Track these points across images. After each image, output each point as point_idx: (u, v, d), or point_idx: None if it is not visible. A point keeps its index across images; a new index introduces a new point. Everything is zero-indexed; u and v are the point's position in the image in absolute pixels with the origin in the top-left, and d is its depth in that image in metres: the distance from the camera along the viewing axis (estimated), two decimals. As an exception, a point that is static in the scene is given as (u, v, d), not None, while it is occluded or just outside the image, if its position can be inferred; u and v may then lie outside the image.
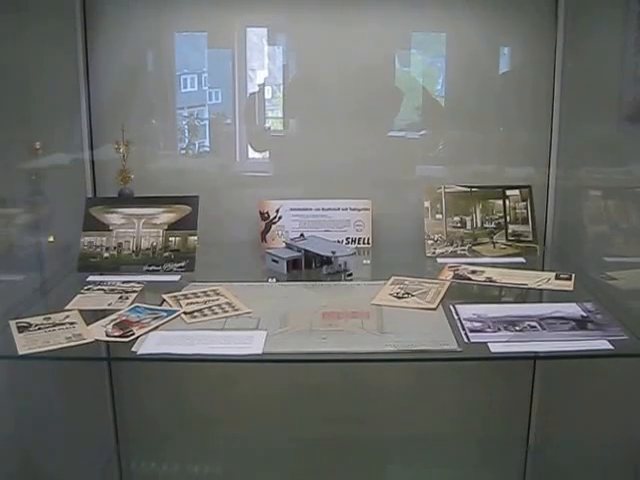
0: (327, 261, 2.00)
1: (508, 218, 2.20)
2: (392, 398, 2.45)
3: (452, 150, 2.36)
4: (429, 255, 2.17)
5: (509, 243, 2.18)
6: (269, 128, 2.40)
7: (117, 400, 2.51)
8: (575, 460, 2.18)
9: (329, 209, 2.27)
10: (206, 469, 2.52)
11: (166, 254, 2.06)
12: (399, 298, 1.80)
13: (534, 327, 1.61)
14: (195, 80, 2.34)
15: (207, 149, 2.41)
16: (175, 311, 1.72)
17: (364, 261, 2.19)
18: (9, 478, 1.85)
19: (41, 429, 2.20)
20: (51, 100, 2.11)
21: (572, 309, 1.71)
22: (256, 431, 2.43)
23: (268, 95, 2.35)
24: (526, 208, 2.21)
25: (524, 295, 1.88)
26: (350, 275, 1.99)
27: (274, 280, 1.98)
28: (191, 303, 1.77)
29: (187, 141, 2.39)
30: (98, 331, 1.62)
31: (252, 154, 2.42)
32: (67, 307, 1.77)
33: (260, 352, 1.50)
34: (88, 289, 1.91)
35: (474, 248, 2.18)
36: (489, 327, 1.61)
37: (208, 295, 1.83)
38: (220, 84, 2.36)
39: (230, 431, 2.46)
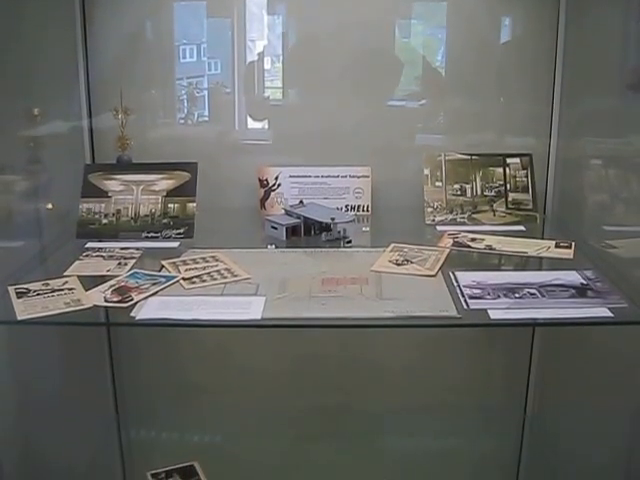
0: (326, 228, 2.00)
1: (508, 186, 2.19)
2: (390, 366, 2.46)
3: (452, 120, 2.35)
4: (428, 223, 2.16)
5: (509, 211, 2.18)
6: (268, 97, 2.39)
7: (116, 368, 2.51)
8: (573, 429, 2.20)
9: (328, 176, 2.26)
10: (205, 438, 2.54)
11: (165, 221, 2.05)
12: (398, 265, 1.80)
13: (534, 294, 1.60)
14: (194, 51, 2.33)
15: (206, 119, 2.40)
16: (174, 277, 1.72)
17: (363, 228, 2.19)
18: (8, 447, 1.86)
19: (40, 397, 2.21)
20: (49, 68, 2.09)
21: (572, 277, 1.70)
22: (255, 399, 2.44)
23: (267, 64, 2.33)
24: (526, 176, 2.20)
25: (524, 263, 1.88)
26: (349, 242, 1.99)
27: (273, 247, 1.98)
28: (190, 269, 1.77)
29: (186, 111, 2.38)
30: (97, 297, 1.62)
31: (251, 123, 2.41)
32: (66, 273, 1.77)
33: (259, 317, 1.50)
34: (87, 255, 1.91)
35: (474, 216, 2.17)
36: (489, 294, 1.61)
37: (207, 261, 1.83)
38: (219, 54, 2.35)
39: (229, 399, 2.46)
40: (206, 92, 2.37)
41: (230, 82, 2.36)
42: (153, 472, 2.20)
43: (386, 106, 2.35)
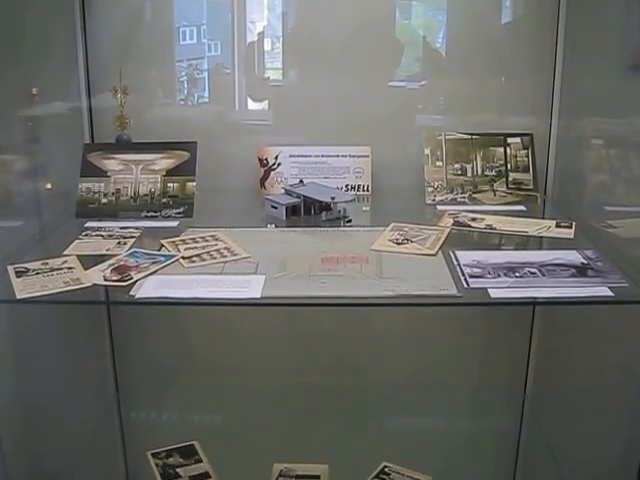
0: (326, 207, 1.99)
1: (509, 166, 2.19)
2: (390, 346, 2.46)
3: (453, 100, 2.34)
4: (429, 202, 2.15)
5: (510, 191, 2.17)
6: (268, 78, 2.38)
7: (116, 347, 2.51)
8: (572, 409, 2.20)
9: (328, 156, 2.25)
10: (206, 417, 2.55)
11: (164, 200, 2.04)
12: (398, 244, 1.80)
13: (534, 273, 1.60)
14: (194, 32, 2.32)
15: (206, 100, 2.39)
16: (173, 256, 1.71)
17: (363, 208, 2.19)
18: (8, 427, 1.86)
19: (40, 376, 2.21)
20: (48, 48, 2.08)
21: (572, 256, 1.70)
22: (255, 378, 2.45)
23: (267, 45, 2.32)
24: (527, 156, 2.19)
25: (524, 242, 1.88)
26: (349, 221, 1.99)
27: (273, 226, 1.98)
28: (189, 248, 1.77)
29: (186, 92, 2.37)
30: (96, 276, 1.61)
31: (252, 104, 2.40)
32: (65, 252, 1.77)
33: (259, 296, 1.50)
34: (86, 235, 1.91)
35: (474, 196, 2.16)
36: (489, 273, 1.60)
37: (207, 240, 1.82)
38: (219, 36, 2.34)
39: (229, 378, 2.47)
40: (206, 73, 2.35)
41: (230, 63, 2.35)
42: (153, 451, 2.21)
43: (386, 87, 2.33)
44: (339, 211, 1.99)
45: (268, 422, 2.40)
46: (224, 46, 2.34)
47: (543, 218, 2.06)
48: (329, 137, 2.28)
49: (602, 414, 1.98)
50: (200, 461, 2.18)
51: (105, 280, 1.59)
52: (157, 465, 2.16)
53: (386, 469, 2.12)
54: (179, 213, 2.02)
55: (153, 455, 2.20)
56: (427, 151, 2.20)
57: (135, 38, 2.27)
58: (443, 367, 2.48)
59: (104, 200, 2.06)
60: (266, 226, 1.98)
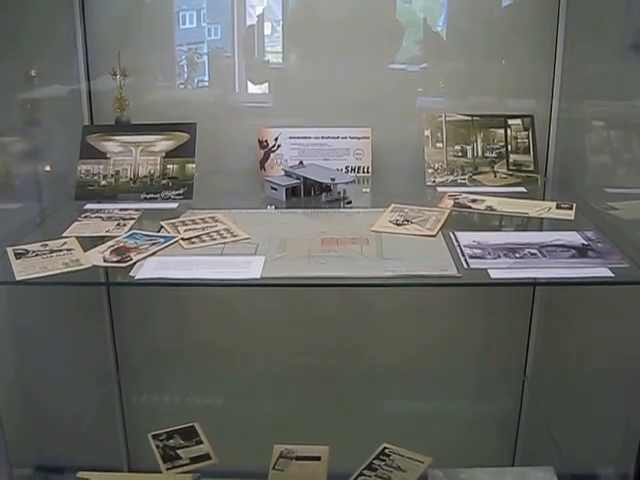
0: (326, 188, 1.99)
1: (509, 147, 2.18)
2: (390, 328, 2.47)
3: (453, 82, 2.33)
4: (429, 184, 2.15)
5: (510, 173, 2.17)
6: (268, 61, 2.37)
7: (117, 330, 2.51)
8: (572, 390, 2.20)
9: (328, 137, 2.24)
10: (206, 399, 2.55)
11: (164, 182, 2.04)
12: (399, 225, 1.79)
13: (534, 254, 1.60)
14: (194, 16, 2.30)
15: (206, 83, 2.38)
16: (173, 237, 1.71)
17: (363, 189, 2.18)
18: (9, 409, 1.86)
19: (40, 359, 2.21)
20: (47, 31, 2.08)
21: (573, 237, 1.69)
22: (255, 360, 2.46)
23: (267, 28, 2.31)
24: (528, 138, 2.19)
25: (525, 223, 1.87)
26: (349, 202, 1.98)
27: (273, 207, 1.97)
28: (189, 229, 1.76)
29: (186, 76, 2.35)
30: (95, 257, 1.61)
31: (252, 87, 2.39)
32: (64, 234, 1.76)
33: (258, 276, 1.49)
34: (85, 217, 1.90)
35: (475, 177, 2.16)
36: (489, 254, 1.60)
37: (206, 222, 1.82)
38: (219, 20, 2.32)
39: (230, 360, 2.48)
40: (206, 57, 2.34)
41: (230, 47, 2.34)
42: (154, 433, 2.21)
43: (387, 69, 2.32)
44: (339, 192, 1.99)
45: (268, 404, 2.42)
46: (224, 30, 2.33)
47: (543, 199, 2.05)
48: (329, 120, 2.27)
49: (602, 396, 1.99)
50: (201, 443, 2.18)
51: (104, 261, 1.59)
52: (158, 447, 2.16)
53: (386, 450, 2.12)
54: (179, 195, 2.02)
55: (154, 437, 2.20)
56: (427, 132, 2.19)
57: (135, 22, 2.26)
58: (443, 349, 2.48)
59: (103, 182, 2.05)
60: (266, 207, 1.98)
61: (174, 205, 1.99)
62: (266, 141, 2.25)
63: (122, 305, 2.49)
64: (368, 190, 2.20)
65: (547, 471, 2.01)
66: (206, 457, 2.13)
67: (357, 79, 2.27)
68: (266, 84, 2.41)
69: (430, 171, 2.16)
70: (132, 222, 1.84)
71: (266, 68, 2.37)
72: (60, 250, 1.65)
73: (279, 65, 2.37)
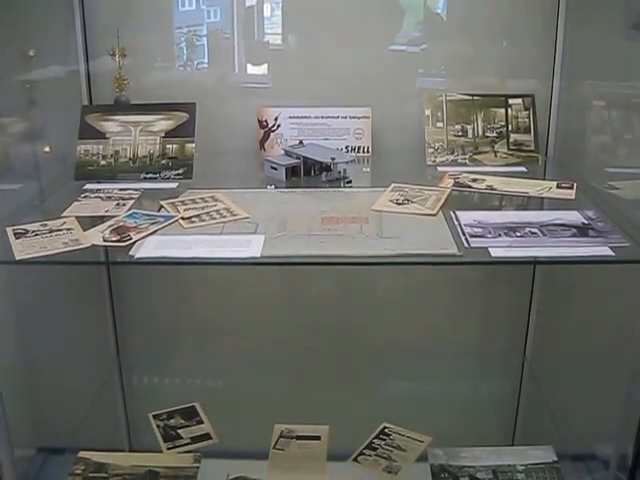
0: (326, 168, 1.99)
1: (510, 127, 2.18)
2: (390, 308, 2.47)
3: (454, 63, 2.31)
4: (429, 164, 2.14)
5: (510, 152, 2.16)
6: (268, 42, 2.36)
7: (117, 310, 2.51)
8: (572, 370, 2.21)
9: (328, 117, 2.23)
10: (206, 379, 2.56)
11: (163, 161, 2.03)
12: (399, 204, 1.79)
13: (535, 233, 1.60)
14: (193, -2, 2.30)
15: (205, 65, 2.37)
16: (173, 216, 1.71)
17: (364, 169, 2.18)
18: (11, 390, 1.86)
19: (41, 339, 2.22)
20: (45, 11, 2.08)
21: (573, 216, 1.69)
22: (256, 341, 2.46)
23: (267, 9, 2.29)
24: (528, 117, 2.18)
25: (525, 203, 1.87)
26: (349, 182, 1.98)
27: (273, 187, 1.97)
28: (189, 209, 1.76)
29: (185, 58, 2.34)
30: (95, 236, 1.60)
31: (251, 68, 2.38)
32: (64, 214, 1.76)
33: (258, 255, 1.49)
34: (85, 197, 1.90)
35: (475, 157, 2.15)
36: (490, 233, 1.60)
37: (206, 201, 1.82)
38: (218, 2, 2.31)
39: (230, 340, 2.49)
40: (205, 39, 2.33)
41: (229, 28, 2.32)
42: (155, 413, 2.21)
43: (387, 50, 2.31)
44: (339, 172, 1.98)
45: (269, 384, 2.42)
46: (223, 12, 2.32)
47: (544, 179, 2.04)
48: (329, 100, 2.26)
49: (601, 375, 1.99)
50: (201, 422, 2.18)
51: (104, 241, 1.58)
52: (158, 426, 2.17)
53: (386, 430, 2.13)
54: (178, 175, 2.01)
55: (154, 417, 2.20)
56: (428, 112, 2.18)
57: (134, 4, 2.24)
58: (443, 329, 2.49)
59: (103, 162, 2.04)
60: (266, 187, 1.97)
61: (174, 185, 1.98)
62: (266, 121, 2.24)
63: (122, 286, 2.48)
64: (368, 170, 2.20)
65: (546, 450, 2.03)
66: (207, 437, 2.14)
67: (357, 60, 2.26)
68: (266, 65, 2.39)
69: (430, 151, 2.16)
70: (132, 202, 1.84)
71: (266, 49, 2.35)
72: (60, 230, 1.65)
73: (279, 46, 2.35)
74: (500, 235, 1.58)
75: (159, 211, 1.77)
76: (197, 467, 2.00)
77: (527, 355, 2.51)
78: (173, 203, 1.81)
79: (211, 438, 2.13)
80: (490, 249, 1.51)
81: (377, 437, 2.11)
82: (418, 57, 2.33)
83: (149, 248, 1.54)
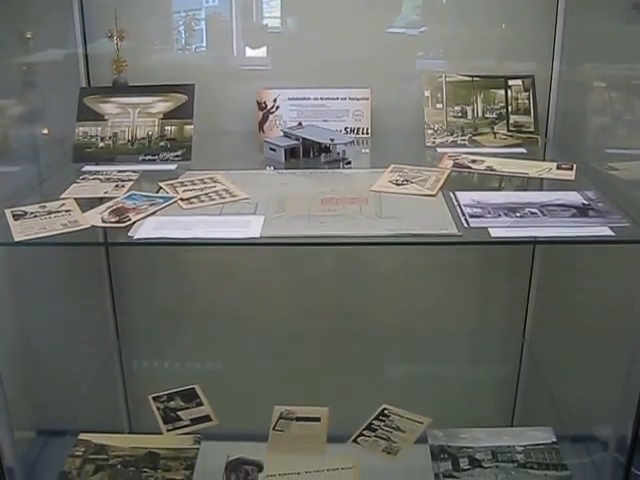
0: (325, 149, 1.98)
1: (510, 108, 2.17)
2: (389, 290, 2.48)
3: (453, 46, 2.30)
4: (429, 145, 2.13)
5: (510, 133, 2.16)
6: (266, 25, 2.34)
7: (116, 293, 2.51)
8: (571, 352, 2.21)
9: (327, 98, 2.23)
10: (206, 361, 2.57)
11: (162, 143, 2.02)
12: (398, 185, 1.78)
13: (535, 214, 1.59)
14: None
15: (204, 48, 2.36)
16: (172, 197, 1.70)
17: (363, 150, 2.17)
18: (10, 373, 1.86)
19: (40, 321, 2.22)
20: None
21: (573, 197, 1.69)
22: (256, 322, 2.46)
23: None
24: (528, 98, 2.17)
25: (525, 184, 1.86)
26: (349, 163, 1.97)
27: (272, 168, 1.96)
28: (188, 190, 1.76)
29: (184, 42, 2.33)
30: (94, 218, 1.60)
31: (250, 51, 2.37)
32: (63, 196, 1.75)
33: (258, 235, 1.49)
34: (83, 179, 1.90)
35: (475, 138, 2.15)
36: (489, 213, 1.59)
37: (205, 182, 1.81)
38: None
39: (230, 322, 2.48)
40: (203, 23, 2.32)
41: (228, 12, 2.31)
42: (154, 395, 2.22)
43: (386, 33, 2.29)
44: (338, 153, 1.98)
45: (268, 365, 2.42)
46: (221, -6, 2.31)
47: (544, 160, 2.04)
48: (328, 82, 2.25)
49: (601, 357, 1.99)
50: (201, 404, 2.19)
51: (103, 222, 1.58)
52: (158, 408, 2.17)
53: (386, 411, 2.14)
54: (177, 156, 2.01)
55: (154, 399, 2.21)
56: (427, 93, 2.17)
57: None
58: (443, 311, 2.49)
59: (101, 144, 2.04)
60: (265, 169, 1.97)
61: (172, 166, 1.98)
62: (265, 102, 2.24)
63: (122, 267, 2.48)
64: (367, 151, 2.19)
65: (546, 431, 2.03)
66: (207, 418, 2.14)
67: (356, 42, 2.25)
68: (264, 48, 2.38)
69: (430, 132, 2.15)
70: (130, 183, 1.83)
71: (264, 32, 2.34)
72: (58, 211, 1.64)
73: (277, 29, 2.34)
74: (500, 215, 1.58)
75: (158, 192, 1.76)
76: (197, 449, 2.00)
77: (526, 336, 2.52)
78: (172, 184, 1.80)
79: (211, 420, 2.13)
80: (490, 229, 1.51)
81: (376, 418, 2.12)
82: (417, 39, 2.32)
83: (148, 229, 1.54)
